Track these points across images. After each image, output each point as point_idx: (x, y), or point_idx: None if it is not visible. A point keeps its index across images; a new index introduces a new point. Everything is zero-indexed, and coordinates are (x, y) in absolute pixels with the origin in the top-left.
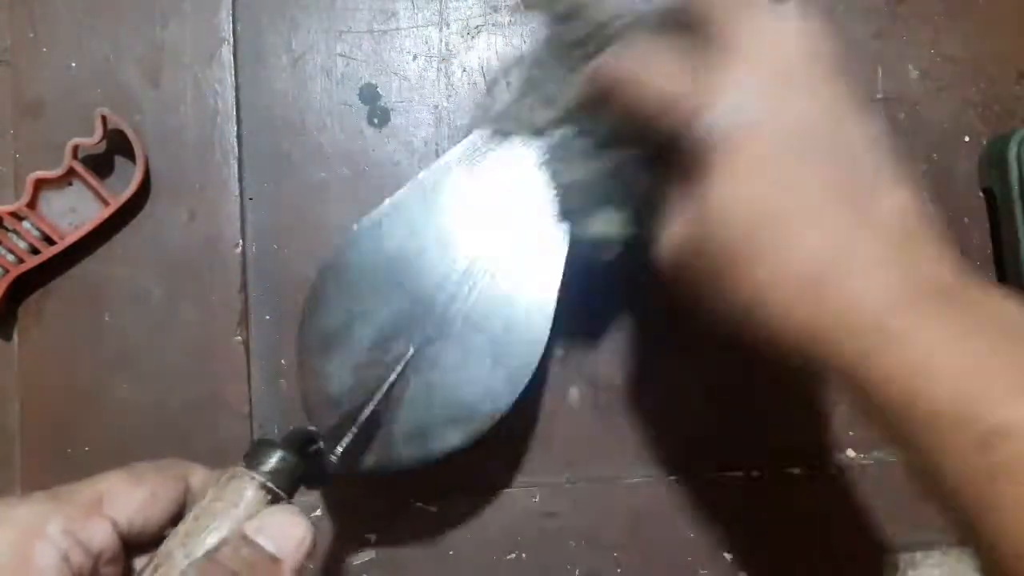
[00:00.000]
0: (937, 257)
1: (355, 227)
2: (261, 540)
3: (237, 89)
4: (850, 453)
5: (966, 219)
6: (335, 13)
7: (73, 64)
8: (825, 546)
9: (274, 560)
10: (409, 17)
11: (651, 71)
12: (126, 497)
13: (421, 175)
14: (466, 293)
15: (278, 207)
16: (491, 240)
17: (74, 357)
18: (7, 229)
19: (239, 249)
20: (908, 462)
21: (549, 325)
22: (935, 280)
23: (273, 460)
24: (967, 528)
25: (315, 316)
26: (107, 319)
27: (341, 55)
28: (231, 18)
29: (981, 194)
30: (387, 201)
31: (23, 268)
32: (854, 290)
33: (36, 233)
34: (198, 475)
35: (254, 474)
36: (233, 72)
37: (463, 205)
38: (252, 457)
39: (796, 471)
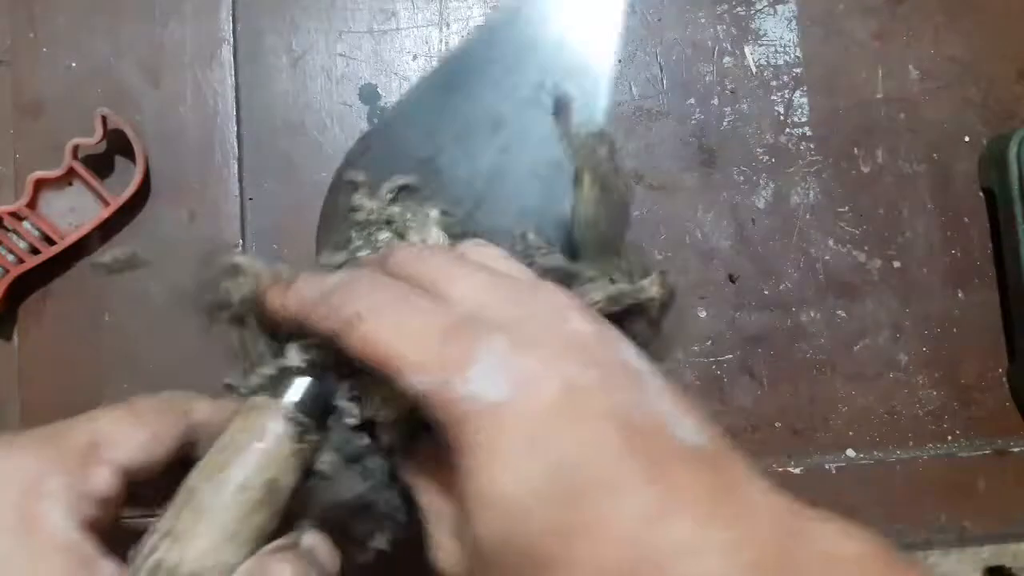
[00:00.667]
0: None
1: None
2: None
3: (237, 89)
4: (850, 453)
5: (966, 219)
6: (335, 13)
7: (73, 64)
8: None
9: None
10: (409, 17)
11: (393, 320)
12: (125, 439)
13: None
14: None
15: (278, 207)
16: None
17: (74, 357)
18: (7, 229)
19: (239, 249)
20: None
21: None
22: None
23: (300, 389)
24: None
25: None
26: (107, 319)
27: (341, 55)
28: (231, 18)
29: (981, 194)
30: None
31: (23, 268)
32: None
33: (36, 233)
34: (202, 408)
35: (279, 405)
36: (233, 72)
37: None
38: (277, 385)
39: (797, 471)
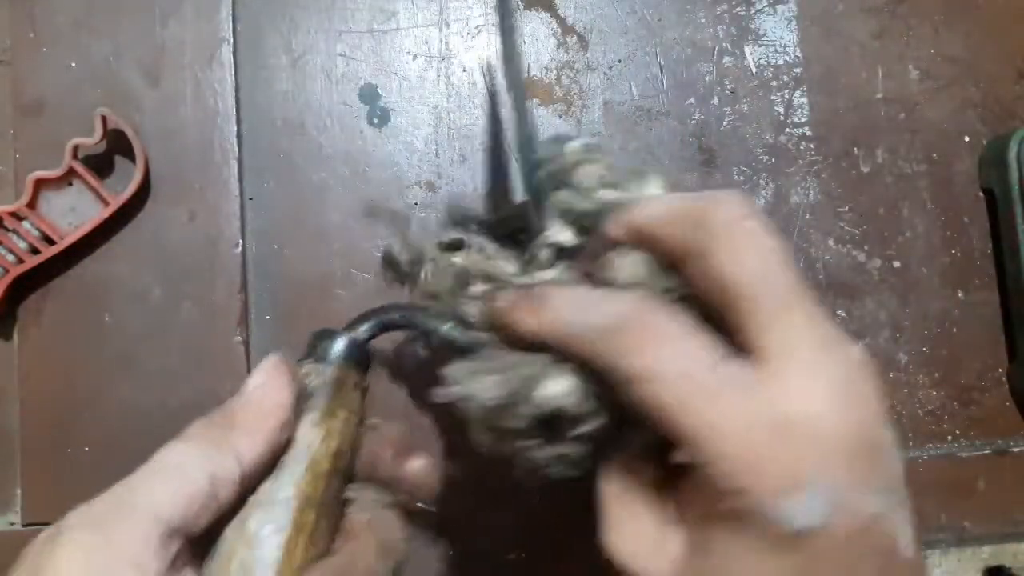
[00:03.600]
0: None
1: None
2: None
3: (237, 89)
4: None
5: (966, 219)
6: (335, 13)
7: (73, 64)
8: None
9: (239, 398)
10: (409, 17)
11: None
12: (188, 510)
13: None
14: None
15: (278, 207)
16: None
17: (74, 357)
18: (7, 229)
19: (239, 249)
20: None
21: None
22: None
23: (336, 347)
24: None
25: None
26: (107, 319)
27: (341, 55)
28: (231, 18)
29: (981, 194)
30: None
31: (23, 268)
32: None
33: (36, 233)
34: (245, 441)
35: (319, 368)
36: (233, 72)
37: None
38: (311, 352)
39: None
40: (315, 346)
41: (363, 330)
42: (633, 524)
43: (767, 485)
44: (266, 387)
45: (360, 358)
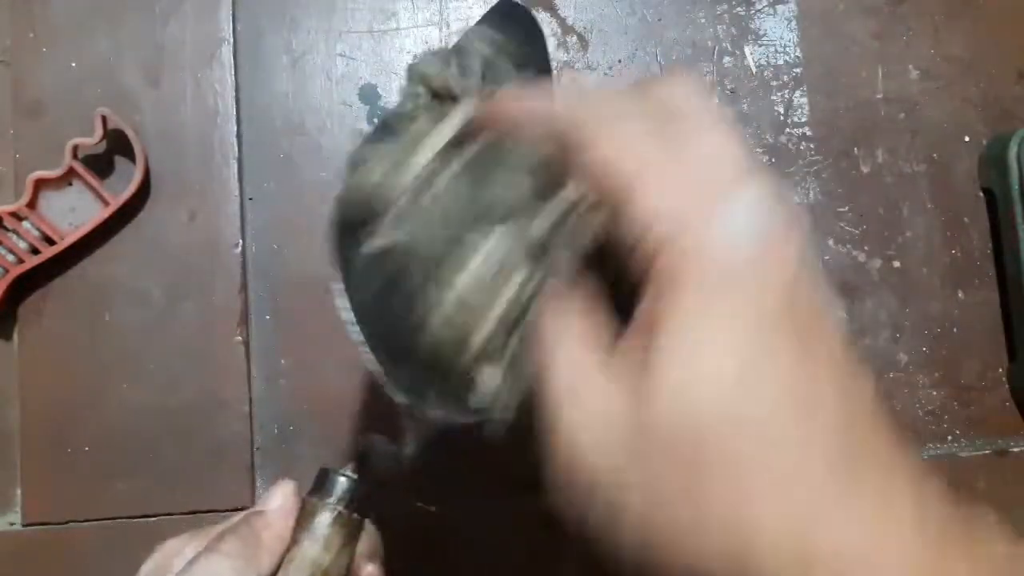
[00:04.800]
0: (937, 491)
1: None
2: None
3: (237, 89)
4: None
5: (966, 219)
6: (335, 13)
7: (73, 64)
8: None
9: (258, 513)
10: (409, 17)
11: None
12: None
13: None
14: None
15: (278, 207)
16: None
17: (74, 357)
18: (7, 229)
19: (239, 249)
20: None
21: None
22: (945, 519)
23: (339, 487)
24: None
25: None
26: (107, 319)
27: (341, 55)
28: (231, 18)
29: (981, 194)
30: None
31: (23, 268)
32: (863, 517)
33: (36, 233)
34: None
35: (326, 503)
36: (233, 72)
37: None
38: (318, 487)
39: None
40: (321, 482)
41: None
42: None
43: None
44: (283, 511)
45: (357, 496)
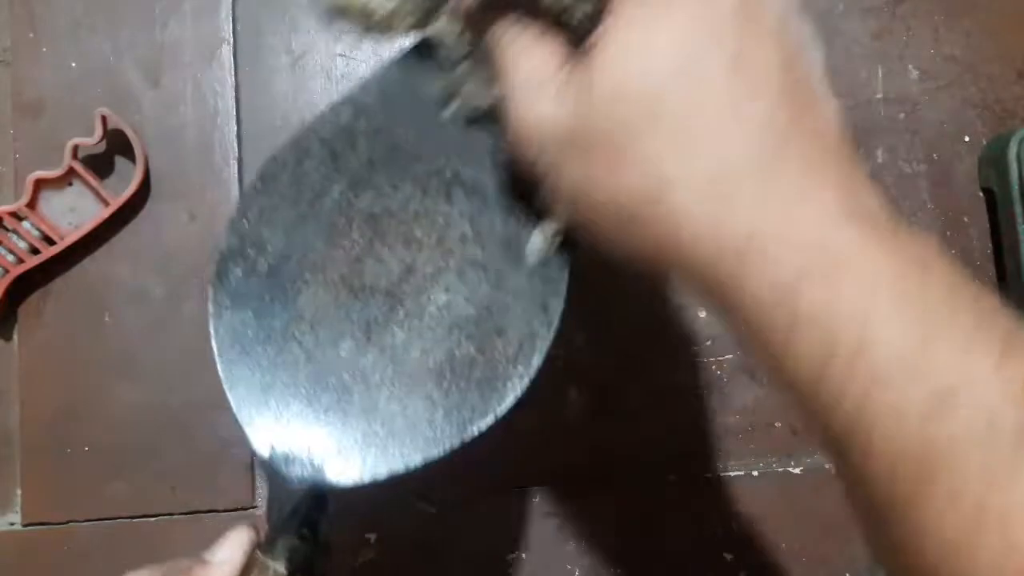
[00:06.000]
0: (872, 190)
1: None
2: (204, 554)
3: (237, 89)
4: None
5: (966, 219)
6: None
7: (73, 64)
8: (825, 546)
9: (204, 563)
10: None
11: None
12: None
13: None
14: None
15: None
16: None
17: (74, 357)
18: (7, 229)
19: None
20: (802, 406)
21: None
22: (872, 210)
23: (288, 550)
24: (896, 505)
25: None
26: (107, 319)
27: (341, 55)
28: (231, 18)
29: (981, 194)
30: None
31: (23, 268)
32: (785, 196)
33: (36, 233)
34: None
35: (271, 567)
36: (233, 72)
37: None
38: (270, 545)
39: (797, 471)
40: (273, 541)
41: (295, 528)
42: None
43: None
44: (230, 566)
45: (306, 558)
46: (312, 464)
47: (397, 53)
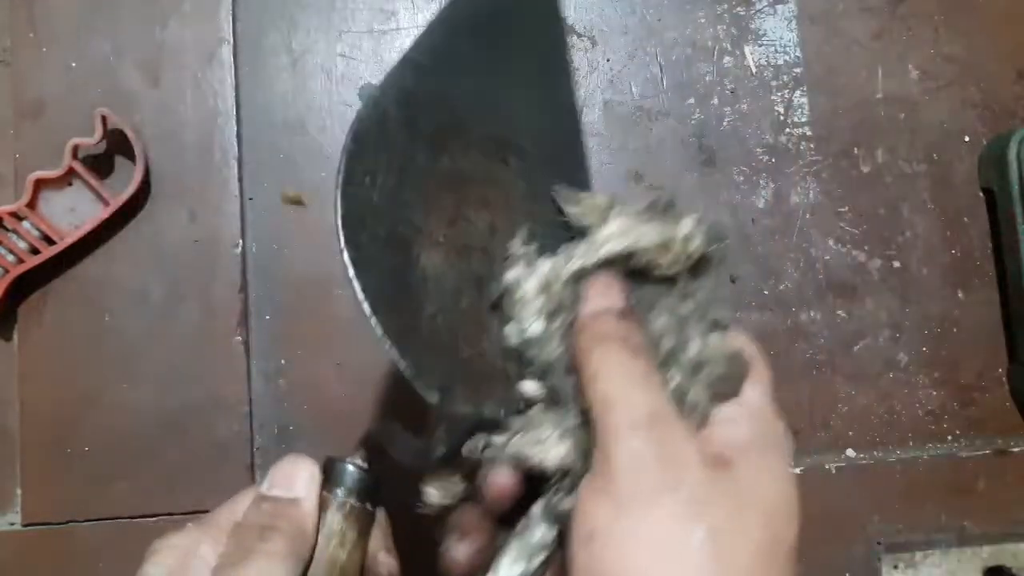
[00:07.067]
0: None
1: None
2: (275, 492)
3: (237, 89)
4: (850, 453)
5: (966, 219)
6: (335, 13)
7: (73, 64)
8: (825, 546)
9: (292, 502)
10: (409, 17)
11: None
12: None
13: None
14: None
15: (278, 207)
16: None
17: (74, 357)
18: (7, 229)
19: (239, 249)
20: None
21: None
22: None
23: (350, 478)
24: None
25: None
26: (107, 319)
27: (341, 55)
28: (231, 18)
29: (981, 194)
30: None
31: (23, 268)
32: None
33: (36, 233)
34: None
35: (337, 496)
36: (233, 72)
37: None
38: (326, 478)
39: (797, 471)
40: (329, 473)
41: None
42: None
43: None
44: (314, 503)
45: (368, 486)
46: (471, 401)
47: (442, 9)
